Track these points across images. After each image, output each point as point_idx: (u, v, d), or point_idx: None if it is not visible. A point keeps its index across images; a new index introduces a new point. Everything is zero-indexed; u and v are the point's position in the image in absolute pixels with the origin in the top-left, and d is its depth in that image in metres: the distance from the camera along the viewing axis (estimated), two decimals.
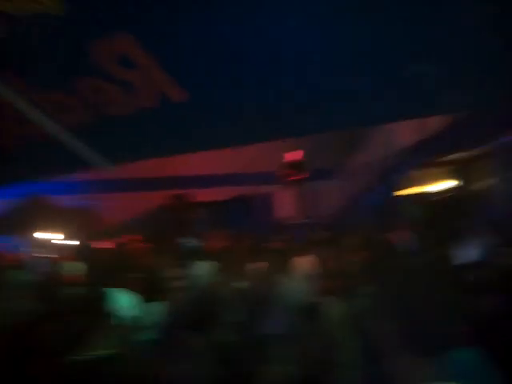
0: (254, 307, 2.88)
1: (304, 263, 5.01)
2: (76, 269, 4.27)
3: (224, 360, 1.80)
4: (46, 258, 7.02)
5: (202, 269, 3.93)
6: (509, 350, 1.98)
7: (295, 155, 10.79)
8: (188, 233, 7.13)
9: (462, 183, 11.76)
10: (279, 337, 2.37)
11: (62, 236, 11.02)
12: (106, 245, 7.26)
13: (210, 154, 12.34)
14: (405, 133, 11.56)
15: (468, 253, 5.23)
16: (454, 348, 1.70)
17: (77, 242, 9.64)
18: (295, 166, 10.64)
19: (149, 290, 3.32)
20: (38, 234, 10.53)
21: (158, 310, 3.09)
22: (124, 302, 3.13)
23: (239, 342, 2.15)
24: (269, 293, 3.10)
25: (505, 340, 2.21)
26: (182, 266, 4.03)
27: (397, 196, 11.48)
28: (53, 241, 10.60)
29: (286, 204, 11.80)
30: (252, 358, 1.98)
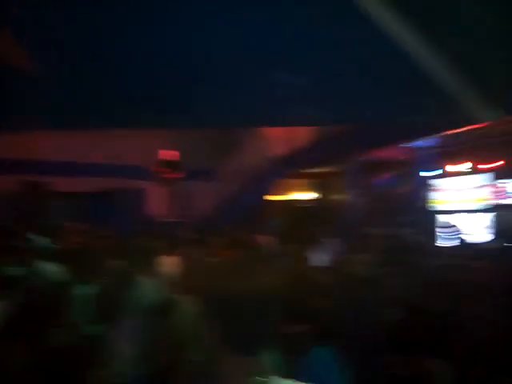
0: (105, 309, 2.73)
1: (170, 262, 4.95)
2: None
3: (50, 364, 1.67)
4: None
5: (47, 269, 3.54)
6: (356, 349, 2.18)
7: (171, 154, 10.63)
8: (39, 227, 6.37)
9: (320, 195, 13.09)
10: (126, 338, 2.29)
11: None
12: None
13: (74, 140, 11.34)
14: (277, 143, 12.37)
15: (320, 257, 5.79)
16: (308, 347, 1.78)
17: None
18: (170, 164, 10.47)
19: None
20: None
21: None
22: None
23: (73, 345, 2.01)
24: (123, 294, 2.97)
25: (353, 339, 2.53)
26: (26, 265, 3.56)
27: (265, 201, 12.17)
28: None
29: (157, 201, 11.52)
30: (87, 362, 1.87)
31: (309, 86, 1.33)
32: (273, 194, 12.33)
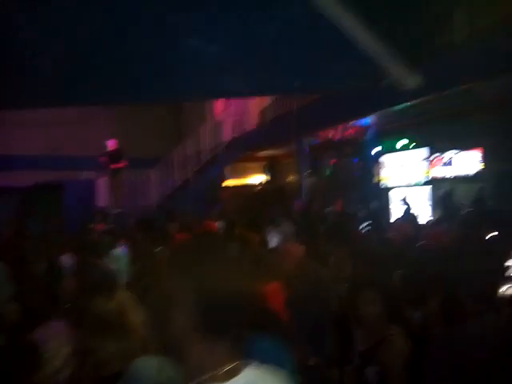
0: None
1: (120, 253, 4.85)
2: None
3: None
4: None
5: None
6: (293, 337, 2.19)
7: (114, 144, 10.26)
8: None
9: (272, 177, 13.22)
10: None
11: None
12: None
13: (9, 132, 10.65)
14: (228, 128, 12.28)
15: (274, 240, 5.86)
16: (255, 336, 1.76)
17: None
18: (115, 154, 10.10)
19: None
20: None
21: None
22: None
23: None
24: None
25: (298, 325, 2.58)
26: None
27: (218, 186, 12.11)
28: None
29: (106, 192, 11.13)
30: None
31: (228, 55, 1.28)
32: (225, 179, 12.29)
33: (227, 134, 12.08)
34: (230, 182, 12.71)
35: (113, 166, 9.79)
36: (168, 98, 1.97)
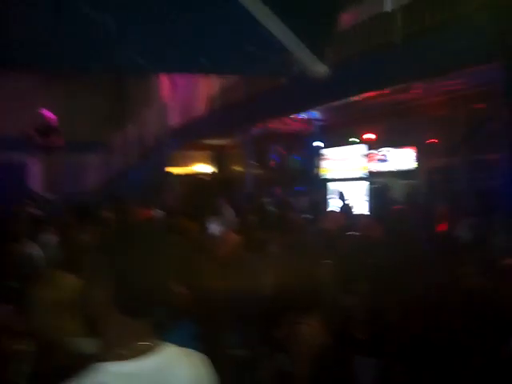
0: None
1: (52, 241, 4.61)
2: None
3: None
4: None
5: None
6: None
7: (48, 118, 9.38)
8: None
9: (218, 167, 13.16)
10: None
11: None
12: None
13: None
14: (174, 114, 11.99)
15: (218, 229, 5.85)
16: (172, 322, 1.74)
17: None
18: (48, 129, 9.26)
19: None
20: None
21: None
22: None
23: None
24: None
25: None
26: None
27: (162, 173, 11.83)
28: None
29: (39, 176, 10.45)
30: None
31: (128, 29, 1.24)
32: (169, 166, 12.02)
33: (173, 120, 11.81)
34: (174, 170, 12.46)
35: (44, 143, 8.99)
36: (67, 66, 1.88)
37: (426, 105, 7.18)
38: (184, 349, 1.09)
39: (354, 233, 3.20)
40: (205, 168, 13.29)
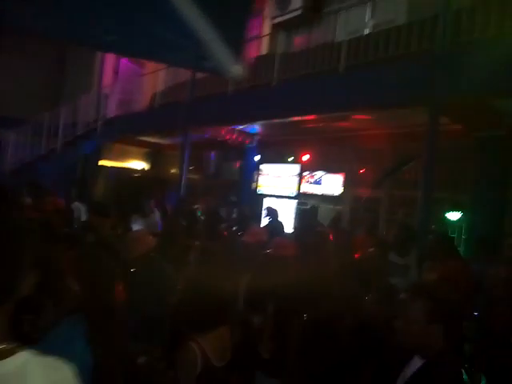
0: None
1: None
2: None
3: None
4: None
5: None
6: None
7: None
8: None
9: (152, 166, 12.76)
10: None
11: None
12: None
13: None
14: (113, 104, 11.47)
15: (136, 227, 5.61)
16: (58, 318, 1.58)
17: None
18: None
19: None
20: None
21: None
22: None
23: None
24: None
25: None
26: None
27: (90, 164, 11.22)
28: None
29: None
30: None
31: None
32: (100, 158, 11.44)
33: (111, 110, 11.29)
34: (105, 163, 11.86)
35: None
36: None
37: (361, 136, 7.55)
38: (47, 358, 0.97)
39: (269, 251, 3.20)
40: (139, 165, 12.82)
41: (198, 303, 2.12)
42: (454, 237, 4.47)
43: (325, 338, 2.48)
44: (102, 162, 11.62)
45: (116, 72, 12.43)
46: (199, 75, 8.89)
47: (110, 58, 12.72)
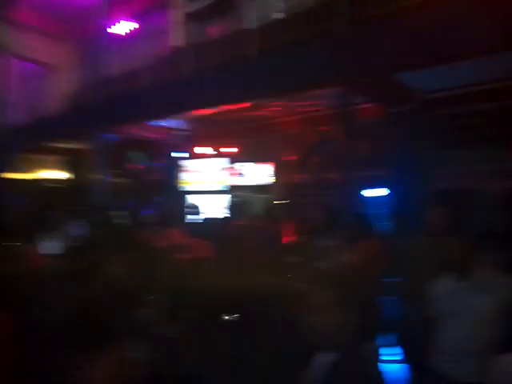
0: None
1: None
2: None
3: None
4: None
5: None
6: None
7: None
8: None
9: (69, 172, 11.85)
10: None
11: None
12: None
13: None
14: (19, 110, 10.45)
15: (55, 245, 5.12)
16: None
17: None
18: None
19: None
20: None
21: None
22: None
23: None
24: None
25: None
26: None
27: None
28: None
29: None
30: None
31: None
32: (9, 170, 10.38)
33: (16, 117, 10.26)
34: (13, 175, 10.76)
35: None
36: None
37: (283, 122, 7.46)
38: None
39: (183, 255, 2.93)
40: (57, 175, 11.83)
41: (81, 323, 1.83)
42: (370, 216, 4.48)
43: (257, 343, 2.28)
44: (11, 176, 10.56)
45: (20, 76, 11.33)
46: (112, 72, 8.32)
47: (13, 62, 11.58)
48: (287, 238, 5.33)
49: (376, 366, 3.18)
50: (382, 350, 3.40)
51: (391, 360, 3.81)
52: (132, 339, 2.77)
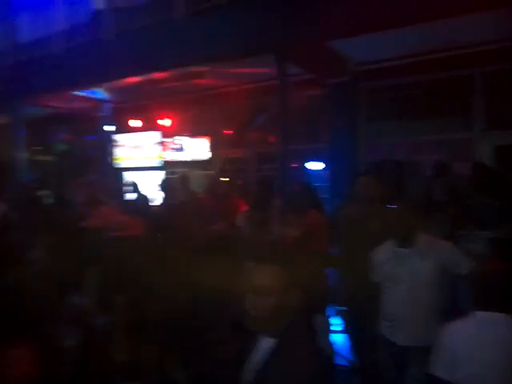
0: None
1: None
2: None
3: None
4: None
5: None
6: None
7: None
8: None
9: None
10: None
11: None
12: None
13: None
14: None
15: None
16: None
17: None
18: None
19: None
20: None
21: None
22: None
23: None
24: None
25: None
26: None
27: None
28: None
29: None
30: None
31: None
32: None
33: None
34: None
35: None
36: None
37: (219, 94, 7.19)
38: None
39: (116, 233, 2.68)
40: None
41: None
42: (315, 186, 4.47)
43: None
44: None
45: None
46: (23, 38, 7.44)
47: None
48: (230, 214, 5.20)
49: (327, 338, 3.23)
50: (330, 321, 3.45)
51: (337, 330, 3.90)
52: (61, 327, 2.52)
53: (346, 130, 5.86)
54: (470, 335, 1.94)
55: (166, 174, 7.90)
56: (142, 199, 6.35)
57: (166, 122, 7.98)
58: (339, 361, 3.59)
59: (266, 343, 1.47)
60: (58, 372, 1.97)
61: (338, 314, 3.92)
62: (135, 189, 6.50)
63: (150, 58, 5.55)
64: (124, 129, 8.37)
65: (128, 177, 7.92)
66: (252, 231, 2.94)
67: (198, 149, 7.91)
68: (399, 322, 2.63)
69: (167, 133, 7.98)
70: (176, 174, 7.75)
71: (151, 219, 3.69)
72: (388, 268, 2.65)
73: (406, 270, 2.59)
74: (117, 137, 8.36)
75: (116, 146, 8.36)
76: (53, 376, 1.75)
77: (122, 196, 7.28)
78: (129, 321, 2.45)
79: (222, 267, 2.10)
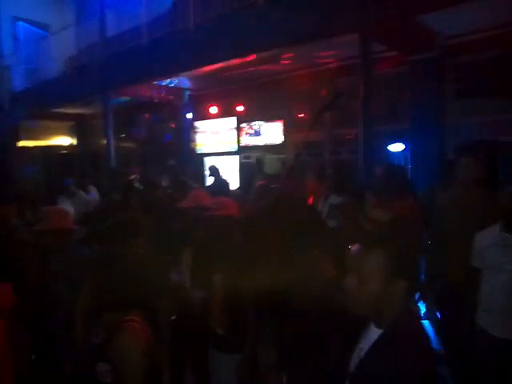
0: None
1: None
2: None
3: None
4: None
5: None
6: None
7: None
8: None
9: (80, 140, 11.68)
10: None
11: None
12: None
13: None
14: (18, 75, 10.14)
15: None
16: None
17: None
18: None
19: None
20: None
21: None
22: None
23: None
24: None
25: None
26: None
27: (10, 148, 10.05)
28: None
29: None
30: None
31: None
32: (18, 139, 10.25)
33: (17, 83, 9.98)
34: (27, 143, 10.65)
35: None
36: None
37: (294, 77, 7.14)
38: None
39: (212, 213, 2.81)
40: (66, 141, 11.68)
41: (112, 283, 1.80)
42: (404, 168, 4.24)
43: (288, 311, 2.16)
44: (22, 143, 10.45)
45: (15, 38, 10.89)
46: (111, 31, 7.95)
47: (5, 21, 11.11)
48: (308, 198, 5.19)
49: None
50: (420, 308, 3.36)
51: (425, 317, 3.79)
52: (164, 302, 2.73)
53: (432, 108, 5.53)
54: None
55: (243, 158, 8.08)
56: (223, 183, 6.59)
57: (241, 108, 8.12)
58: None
59: (372, 334, 1.42)
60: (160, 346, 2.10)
61: (425, 301, 3.79)
62: (216, 173, 6.76)
63: (231, 45, 5.65)
64: (202, 116, 8.67)
65: (209, 162, 8.24)
66: (344, 216, 2.90)
67: (272, 133, 7.97)
68: (499, 313, 2.49)
69: (242, 118, 8.13)
70: (251, 159, 7.91)
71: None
72: (492, 254, 2.50)
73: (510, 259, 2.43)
74: (197, 123, 8.69)
75: (196, 132, 8.70)
76: (156, 349, 1.87)
77: (204, 180, 7.62)
78: (226, 298, 2.58)
79: (320, 251, 2.11)
